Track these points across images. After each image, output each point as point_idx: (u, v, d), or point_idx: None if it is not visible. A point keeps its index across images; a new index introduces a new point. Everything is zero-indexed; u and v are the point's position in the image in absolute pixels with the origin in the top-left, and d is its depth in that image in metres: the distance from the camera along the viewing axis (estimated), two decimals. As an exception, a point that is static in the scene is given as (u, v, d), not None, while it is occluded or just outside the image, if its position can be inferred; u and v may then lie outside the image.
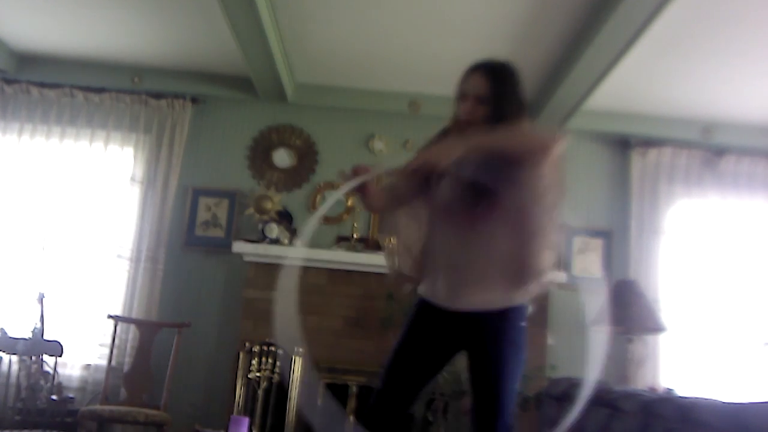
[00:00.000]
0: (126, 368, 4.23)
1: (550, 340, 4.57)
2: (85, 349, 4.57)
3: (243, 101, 5.05)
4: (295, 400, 4.15)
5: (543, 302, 4.49)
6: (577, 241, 4.89)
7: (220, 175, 4.95)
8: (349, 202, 4.81)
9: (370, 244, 4.63)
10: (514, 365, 1.91)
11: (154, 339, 4.08)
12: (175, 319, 4.37)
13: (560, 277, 4.58)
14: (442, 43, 4.27)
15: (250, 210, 4.78)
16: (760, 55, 4.04)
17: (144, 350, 4.06)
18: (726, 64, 4.16)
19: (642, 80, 4.46)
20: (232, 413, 4.07)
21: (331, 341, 4.39)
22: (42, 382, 3.96)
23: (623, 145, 5.01)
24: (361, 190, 2.03)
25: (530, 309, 1.94)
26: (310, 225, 4.23)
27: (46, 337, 4.05)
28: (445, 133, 2.06)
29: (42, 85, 4.93)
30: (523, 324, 1.94)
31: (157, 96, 4.92)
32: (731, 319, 4.62)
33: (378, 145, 4.96)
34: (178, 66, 4.95)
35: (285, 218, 4.73)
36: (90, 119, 4.92)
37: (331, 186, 4.89)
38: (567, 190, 1.93)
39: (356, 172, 1.96)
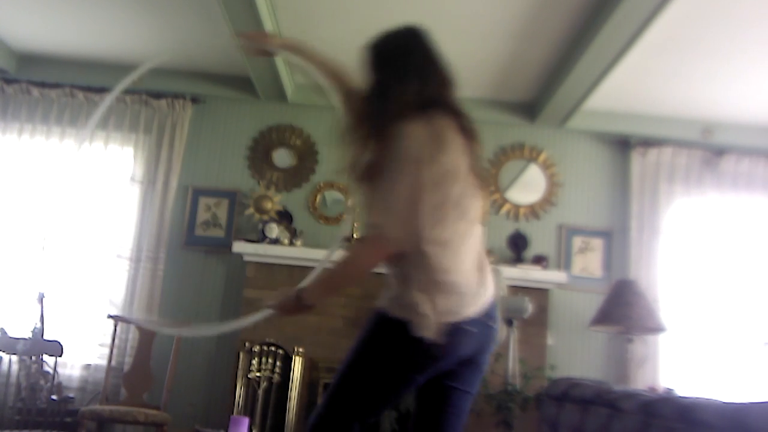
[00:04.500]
0: (126, 368, 4.23)
1: (550, 340, 4.57)
2: (85, 349, 4.57)
3: (243, 101, 5.05)
4: (295, 400, 4.15)
5: (543, 302, 4.50)
6: (577, 241, 4.89)
7: (220, 175, 4.95)
8: (349, 202, 4.82)
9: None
10: (353, 362, 1.68)
11: (154, 339, 4.08)
12: (175, 319, 4.37)
13: (560, 277, 4.59)
14: (442, 43, 4.26)
15: (250, 210, 4.78)
16: (760, 55, 4.04)
17: (144, 350, 4.05)
18: (726, 64, 4.16)
19: (642, 80, 4.47)
20: (232, 413, 4.07)
21: (331, 341, 4.40)
22: (42, 382, 3.95)
23: (623, 145, 5.02)
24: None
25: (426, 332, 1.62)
26: None
27: (46, 337, 4.06)
28: None
29: (42, 85, 4.93)
30: (390, 337, 1.65)
31: (157, 96, 4.92)
32: (731, 319, 4.62)
33: (378, 145, 4.96)
34: (178, 66, 4.95)
35: (285, 218, 4.73)
36: (90, 119, 4.93)
37: (331, 185, 4.90)
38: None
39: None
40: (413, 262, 1.64)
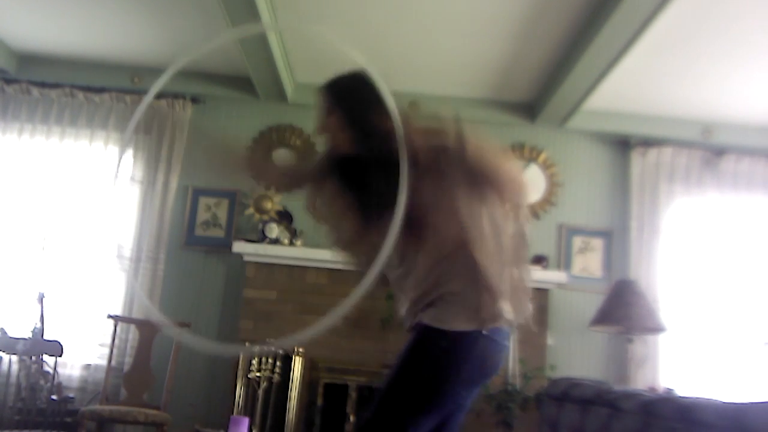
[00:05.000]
0: (126, 368, 4.23)
1: (550, 340, 4.57)
2: (85, 349, 4.57)
3: (243, 101, 5.04)
4: (295, 400, 4.15)
5: (543, 302, 4.50)
6: (577, 241, 4.89)
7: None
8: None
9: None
10: (402, 383, 1.62)
11: (154, 339, 4.08)
12: (175, 319, 4.37)
13: (560, 277, 4.59)
14: (442, 43, 4.27)
15: (250, 210, 4.78)
16: (760, 55, 4.04)
17: (144, 350, 4.05)
18: (726, 64, 4.16)
19: (642, 80, 4.46)
20: (232, 413, 4.07)
21: (331, 341, 4.39)
22: (42, 382, 3.95)
23: (623, 145, 5.02)
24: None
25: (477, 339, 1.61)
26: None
27: (46, 337, 4.05)
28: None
29: (42, 85, 4.93)
30: (446, 352, 1.59)
31: (157, 96, 4.89)
32: (731, 319, 4.62)
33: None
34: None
35: (285, 218, 4.73)
36: (90, 119, 4.93)
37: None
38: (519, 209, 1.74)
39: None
40: (473, 270, 1.62)
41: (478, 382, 1.67)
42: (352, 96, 1.79)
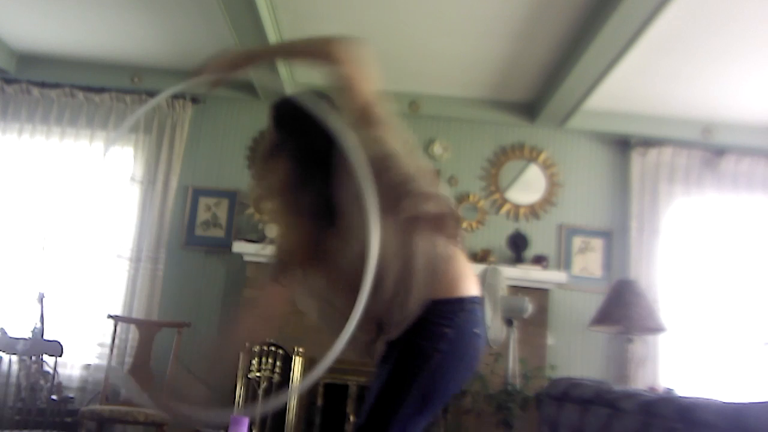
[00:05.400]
0: (126, 368, 4.23)
1: (550, 340, 4.57)
2: (85, 349, 4.57)
3: (243, 101, 5.04)
4: (295, 400, 4.15)
5: (543, 302, 4.50)
6: (577, 241, 4.89)
7: (220, 175, 4.96)
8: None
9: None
10: (404, 387, 1.62)
11: (154, 339, 4.08)
12: (175, 319, 4.38)
13: (560, 277, 4.59)
14: (442, 43, 4.27)
15: (250, 210, 4.78)
16: (761, 55, 4.04)
17: (144, 350, 4.05)
18: (726, 63, 4.16)
19: (642, 80, 4.47)
20: (232, 413, 4.07)
21: (331, 341, 4.39)
22: (42, 382, 3.95)
23: (623, 145, 5.02)
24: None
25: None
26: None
27: (46, 337, 4.05)
28: None
29: (42, 85, 4.93)
30: (445, 354, 1.59)
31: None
32: (731, 319, 4.62)
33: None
34: (178, 66, 4.95)
35: (285, 218, 4.72)
36: (90, 119, 4.93)
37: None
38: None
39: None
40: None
41: (466, 379, 1.68)
42: (291, 121, 1.74)
